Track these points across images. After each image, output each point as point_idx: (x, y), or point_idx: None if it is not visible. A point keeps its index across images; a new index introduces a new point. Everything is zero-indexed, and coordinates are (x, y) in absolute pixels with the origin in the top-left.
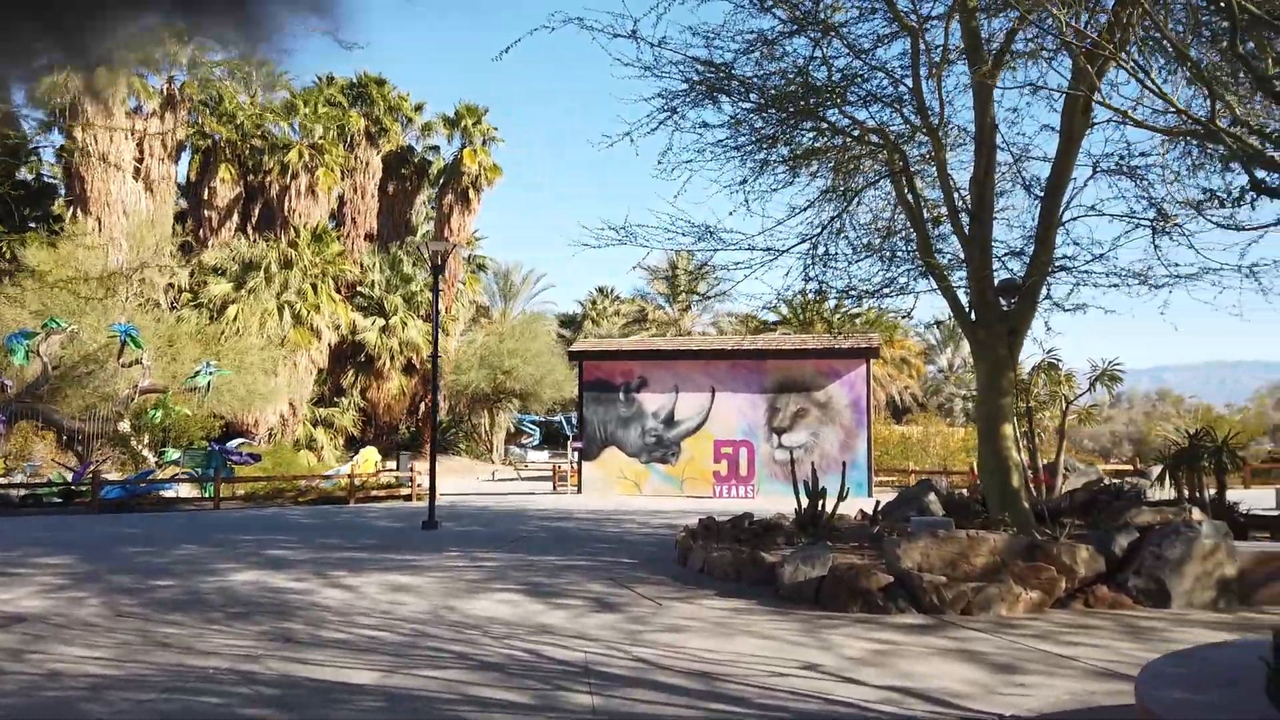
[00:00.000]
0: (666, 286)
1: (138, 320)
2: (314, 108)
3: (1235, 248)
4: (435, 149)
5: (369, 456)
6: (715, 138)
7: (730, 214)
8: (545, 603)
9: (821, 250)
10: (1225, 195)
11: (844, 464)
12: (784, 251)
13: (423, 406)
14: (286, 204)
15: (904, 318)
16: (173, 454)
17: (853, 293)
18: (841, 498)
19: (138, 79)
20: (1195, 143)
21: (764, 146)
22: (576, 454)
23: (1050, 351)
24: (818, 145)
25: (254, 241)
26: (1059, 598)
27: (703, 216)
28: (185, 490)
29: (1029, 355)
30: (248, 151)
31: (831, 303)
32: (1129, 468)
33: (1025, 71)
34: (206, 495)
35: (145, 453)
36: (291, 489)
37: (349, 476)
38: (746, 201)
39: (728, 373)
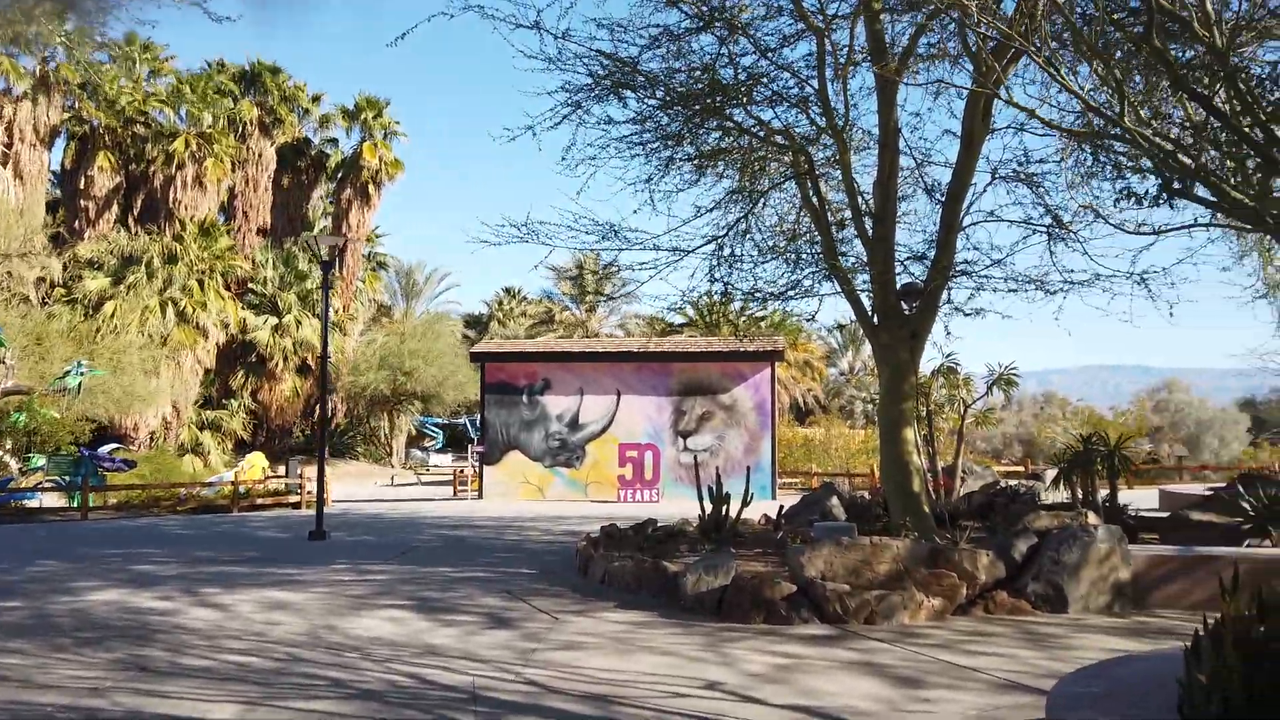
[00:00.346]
0: (573, 287)
1: (1, 316)
2: (202, 94)
3: (1127, 254)
4: (334, 142)
5: (255, 462)
6: (620, 134)
7: (635, 212)
8: (434, 620)
9: (727, 252)
10: (1144, 196)
11: (748, 467)
12: (689, 252)
13: (319, 409)
14: (172, 195)
15: (808, 320)
16: (38, 460)
17: (758, 295)
18: (745, 503)
19: (7, 59)
20: (1090, 151)
21: (670, 144)
22: (478, 458)
23: (949, 355)
24: (724, 145)
25: (135, 234)
26: (960, 604)
27: (608, 215)
28: (51, 500)
29: (929, 359)
30: (129, 139)
31: (737, 305)
32: (1021, 469)
33: (928, 76)
34: (74, 505)
35: (6, 459)
36: (169, 497)
37: (233, 483)
38: (652, 200)
39: (633, 375)
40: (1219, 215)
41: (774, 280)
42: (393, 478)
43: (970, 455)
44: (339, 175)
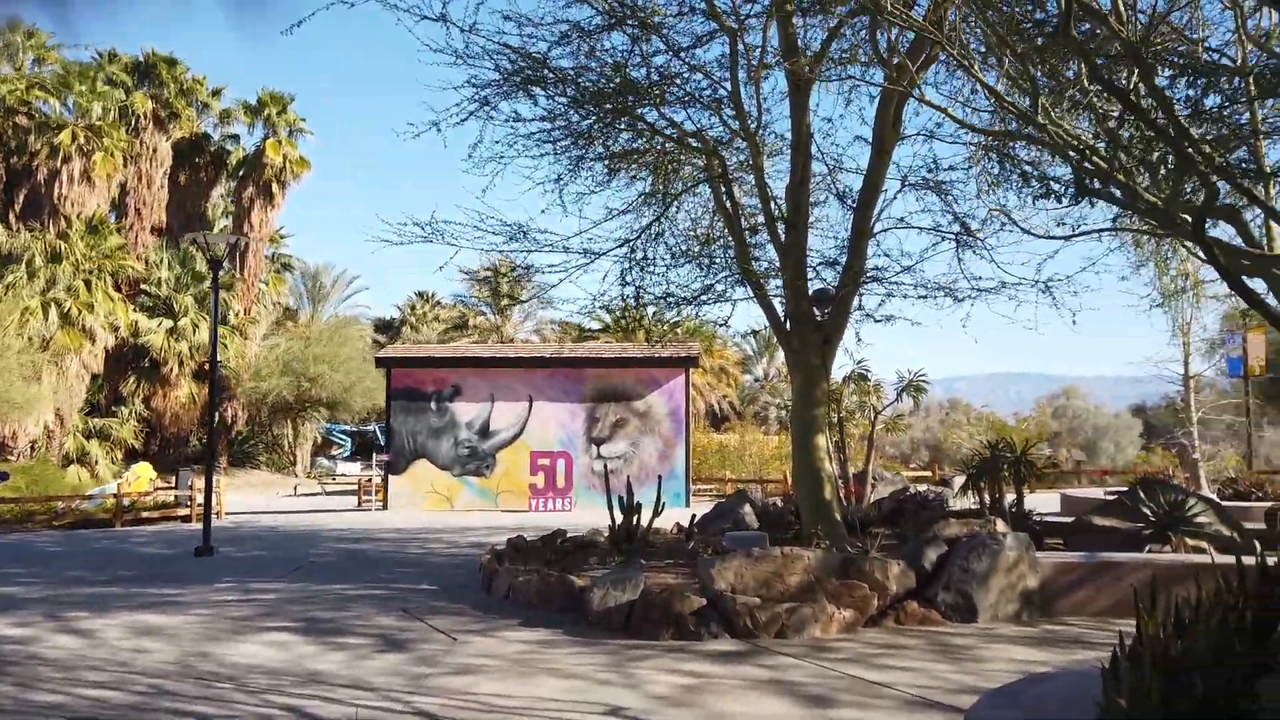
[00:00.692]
0: (484, 289)
1: None
2: (92, 85)
3: (1033, 262)
4: (235, 138)
5: (141, 472)
6: (528, 131)
7: (542, 212)
8: (322, 643)
9: (640, 255)
10: (1061, 192)
11: (660, 476)
12: (601, 255)
13: (218, 417)
14: (57, 190)
15: (720, 326)
16: None
17: (670, 299)
18: (657, 512)
19: None
20: (998, 159)
21: (580, 144)
22: (383, 467)
23: (860, 362)
24: (636, 146)
25: (16, 231)
26: (871, 615)
27: (519, 216)
28: None
29: (840, 365)
30: (11, 130)
31: (649, 310)
32: (929, 474)
33: (840, 83)
34: None
35: None
36: (45, 511)
37: (116, 496)
38: (562, 201)
39: (546, 381)
40: (1130, 218)
41: (687, 285)
42: (296, 488)
43: (880, 461)
44: (240, 173)
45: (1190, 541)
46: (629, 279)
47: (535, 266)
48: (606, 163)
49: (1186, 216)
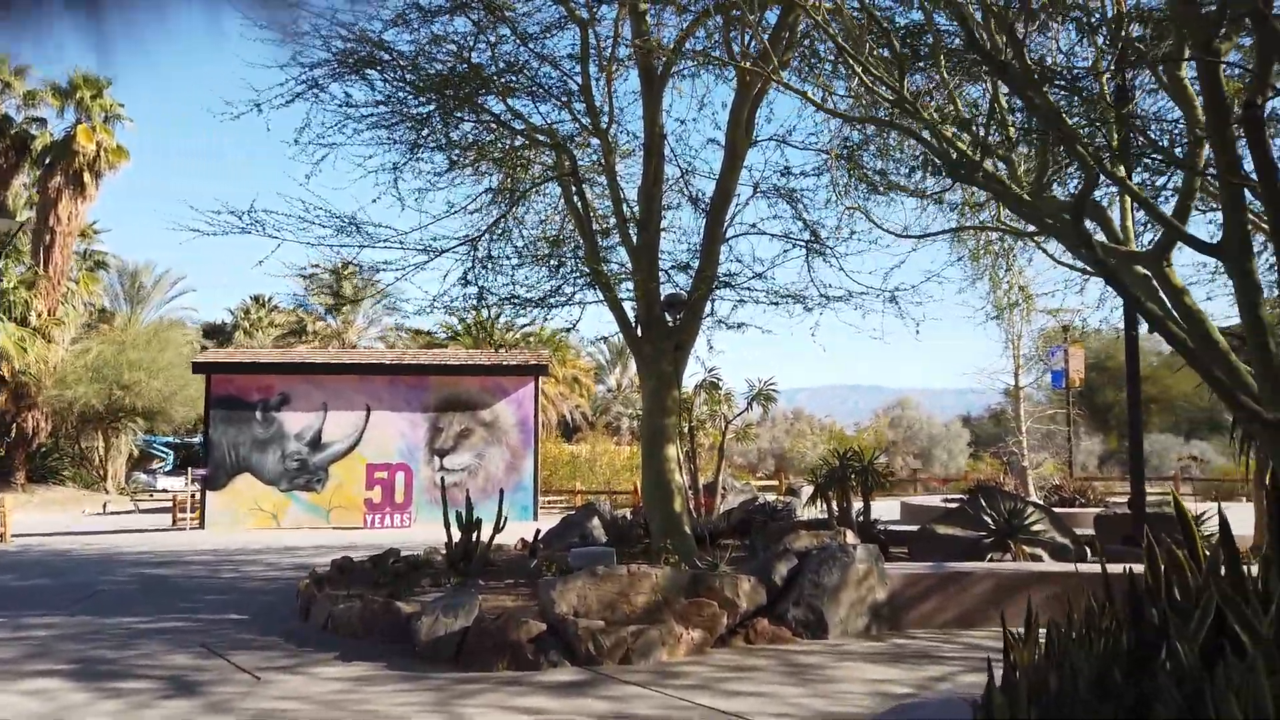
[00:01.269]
0: (325, 293)
1: None
2: None
3: (880, 272)
4: (42, 122)
5: None
6: (362, 116)
7: (373, 201)
8: (96, 689)
9: (484, 254)
10: (939, 169)
11: (502, 490)
12: (442, 253)
13: (15, 428)
14: None
15: (569, 330)
16: None
17: (515, 300)
18: (498, 528)
19: None
20: (848, 169)
21: (418, 132)
22: (200, 482)
23: (712, 370)
24: (480, 138)
25: None
26: (721, 635)
27: (353, 209)
28: None
29: (692, 373)
30: None
31: (493, 311)
32: (776, 483)
33: (695, 81)
34: None
35: None
36: None
37: None
38: (398, 193)
39: (386, 389)
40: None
41: (534, 285)
42: (106, 505)
43: (730, 470)
44: (47, 160)
45: (1028, 549)
46: (471, 278)
47: (369, 264)
48: (448, 154)
49: (1055, 216)
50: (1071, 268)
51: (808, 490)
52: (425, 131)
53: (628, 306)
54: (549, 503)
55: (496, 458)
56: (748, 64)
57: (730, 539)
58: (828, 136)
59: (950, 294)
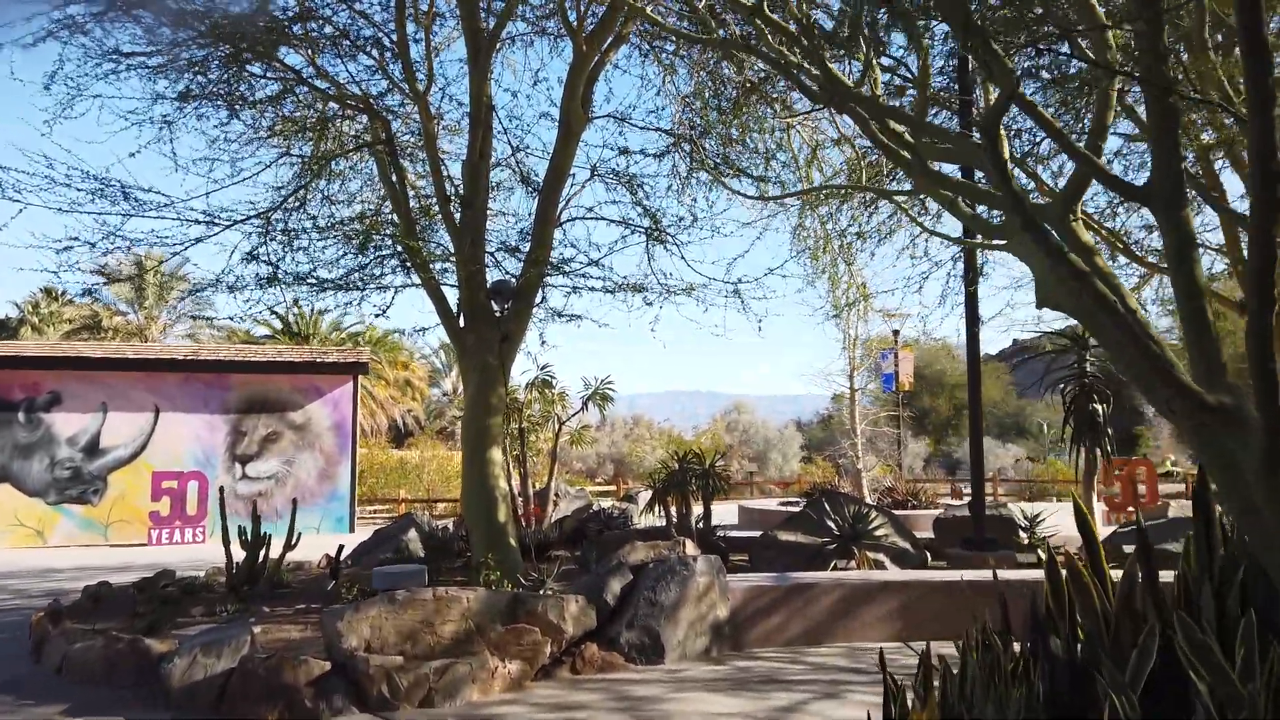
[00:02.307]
0: (118, 282)
1: None
2: None
3: (722, 262)
4: None
5: None
6: (131, 65)
7: (133, 155)
8: None
9: (280, 227)
10: (815, 89)
11: (296, 500)
12: (230, 225)
13: None
14: None
15: (379, 315)
16: None
17: (315, 281)
18: (290, 544)
19: None
20: (690, 155)
21: (198, 82)
22: None
23: (545, 368)
24: (276, 95)
25: None
26: (544, 665)
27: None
28: None
29: (523, 370)
30: None
31: (287, 294)
32: (614, 488)
33: (526, 56)
34: None
35: None
36: None
37: None
38: (174, 154)
39: (179, 389)
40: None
41: (339, 264)
42: None
43: (565, 475)
44: None
45: (871, 555)
46: (262, 253)
47: (138, 236)
48: (229, 106)
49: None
50: (945, 238)
51: (645, 496)
52: (202, 80)
53: (449, 293)
54: (373, 512)
55: (308, 464)
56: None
57: (562, 550)
58: (669, 117)
59: (791, 291)
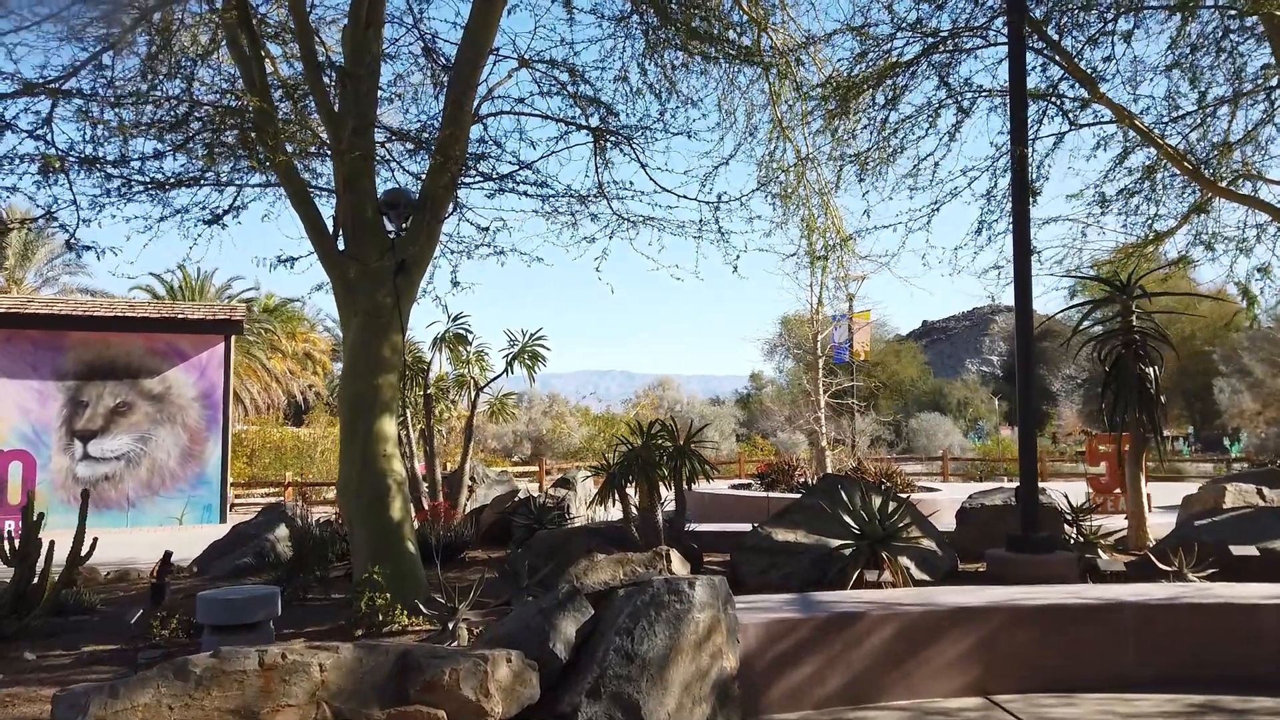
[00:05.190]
0: None
1: None
2: None
3: (695, 177)
4: None
5: None
6: None
7: None
8: None
9: (76, 103)
10: None
11: (86, 494)
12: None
13: None
14: None
15: (213, 222)
16: None
17: (121, 175)
18: (80, 556)
19: None
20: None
21: None
22: None
23: (459, 318)
24: None
25: None
26: None
27: None
28: None
29: (430, 321)
30: None
31: (76, 191)
32: (534, 469)
33: None
34: None
35: None
36: None
37: None
38: None
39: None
40: None
41: (162, 154)
42: None
43: (480, 455)
44: None
45: (900, 561)
46: (43, 134)
47: None
48: None
49: None
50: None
51: (585, 479)
52: None
53: (325, 210)
54: (264, 495)
55: (168, 442)
56: None
57: (479, 552)
58: None
59: (756, 242)
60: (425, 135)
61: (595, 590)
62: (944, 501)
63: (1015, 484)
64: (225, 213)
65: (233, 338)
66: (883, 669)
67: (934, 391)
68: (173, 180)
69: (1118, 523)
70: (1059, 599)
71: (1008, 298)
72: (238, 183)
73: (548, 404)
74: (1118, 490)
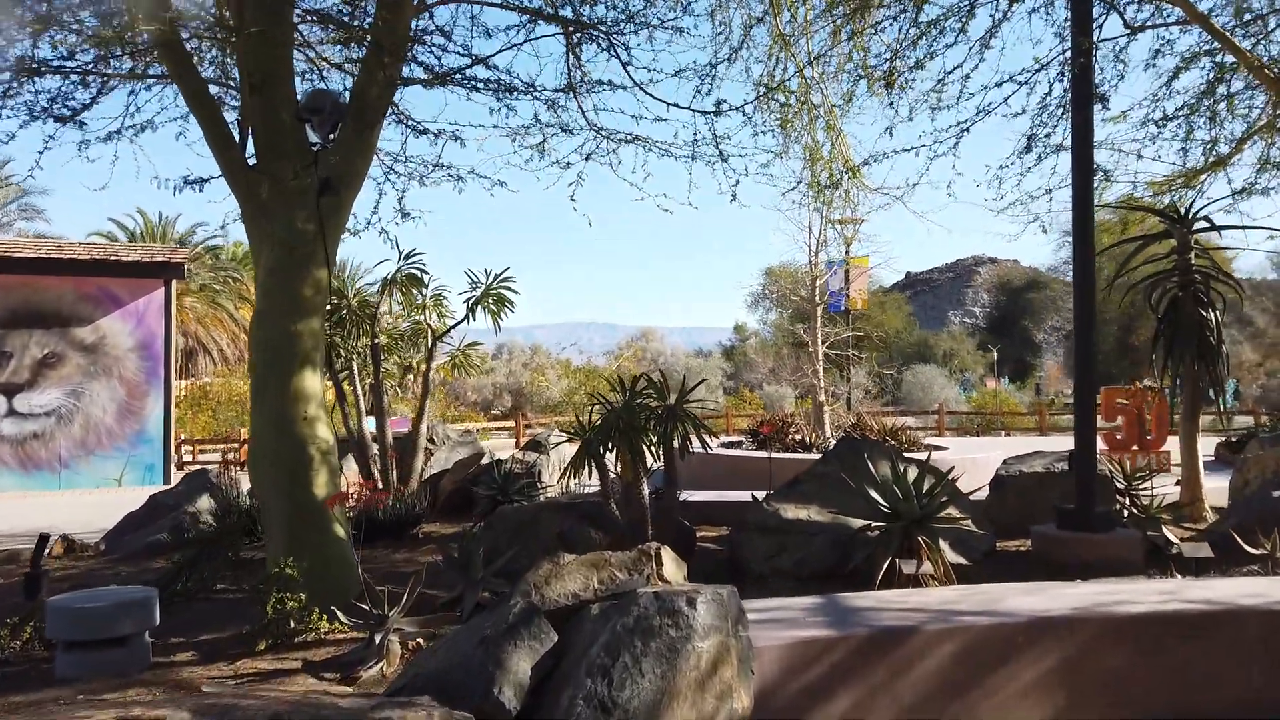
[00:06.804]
0: None
1: None
2: None
3: (688, 90)
4: None
5: None
6: None
7: None
8: None
9: None
10: None
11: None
12: None
13: None
14: None
15: (67, 119)
16: None
17: None
18: None
19: None
20: None
21: None
22: None
23: (411, 256)
24: None
25: None
26: None
27: None
28: None
29: (378, 261)
30: None
31: None
32: (512, 424)
33: None
34: None
35: None
36: None
37: None
38: None
39: None
40: None
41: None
42: None
43: (456, 409)
44: None
45: (934, 545)
46: None
47: None
48: None
49: None
50: None
51: (558, 440)
52: None
53: (229, 115)
54: (224, 450)
55: (103, 396)
56: None
57: (435, 525)
58: None
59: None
60: (356, 23)
61: (560, 606)
62: (955, 461)
63: (1042, 447)
64: (90, 104)
65: (174, 282)
66: (939, 701)
67: (919, 343)
68: (31, 66)
69: (1161, 488)
70: (1157, 603)
71: (1052, 235)
72: (119, 71)
73: (529, 355)
74: (1135, 447)
